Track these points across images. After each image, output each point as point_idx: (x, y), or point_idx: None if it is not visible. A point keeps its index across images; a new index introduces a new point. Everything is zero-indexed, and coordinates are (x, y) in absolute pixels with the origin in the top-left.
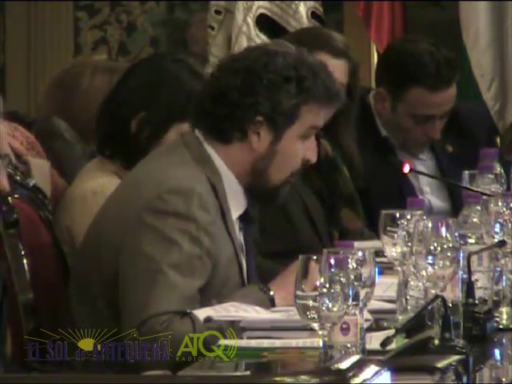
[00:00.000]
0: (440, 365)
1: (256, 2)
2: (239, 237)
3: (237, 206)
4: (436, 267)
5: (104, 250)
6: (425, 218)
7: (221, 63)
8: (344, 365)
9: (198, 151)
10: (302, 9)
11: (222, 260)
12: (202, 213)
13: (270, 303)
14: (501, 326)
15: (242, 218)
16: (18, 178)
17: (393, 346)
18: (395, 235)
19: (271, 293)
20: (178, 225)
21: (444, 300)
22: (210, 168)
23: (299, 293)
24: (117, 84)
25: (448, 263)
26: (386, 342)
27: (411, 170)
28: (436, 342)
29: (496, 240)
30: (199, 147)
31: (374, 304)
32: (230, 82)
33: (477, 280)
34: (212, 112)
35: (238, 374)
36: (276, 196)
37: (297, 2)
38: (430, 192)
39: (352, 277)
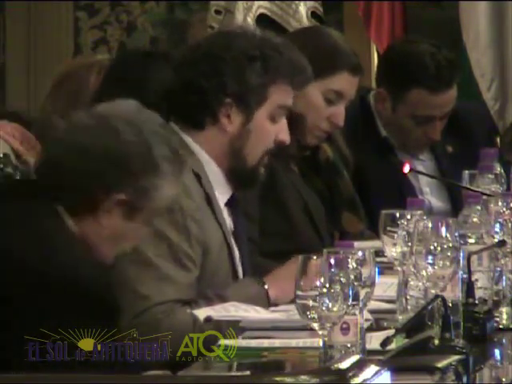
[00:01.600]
0: (440, 365)
1: (256, 2)
2: (229, 223)
3: (222, 192)
4: (436, 267)
5: None
6: (425, 218)
7: (183, 55)
8: (344, 365)
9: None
10: (302, 9)
11: (212, 247)
12: (186, 200)
13: (266, 297)
14: (501, 326)
15: (228, 203)
16: (18, 178)
17: (393, 346)
18: (395, 235)
19: (266, 286)
20: (163, 216)
21: (444, 300)
22: (190, 156)
23: (299, 293)
24: None
25: (448, 263)
26: (386, 342)
27: (411, 170)
28: (436, 341)
29: (496, 240)
30: (177, 138)
31: (374, 304)
32: (194, 70)
33: (477, 280)
34: (182, 102)
35: (238, 374)
36: (253, 178)
37: (297, 1)
38: (429, 192)
39: (352, 277)
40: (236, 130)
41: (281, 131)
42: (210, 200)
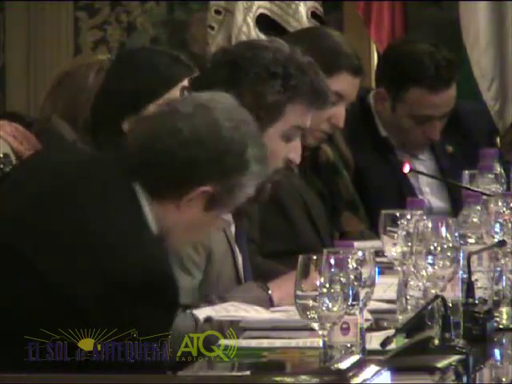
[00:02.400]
0: (440, 365)
1: (256, 2)
2: (232, 226)
3: None
4: (436, 267)
5: None
6: (425, 218)
7: (213, 55)
8: (344, 365)
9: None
10: (302, 9)
11: (215, 254)
12: None
13: (269, 302)
14: (501, 326)
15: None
16: None
17: (393, 346)
18: (395, 235)
19: (269, 291)
20: None
21: (444, 300)
22: None
23: (299, 293)
24: None
25: (448, 263)
26: (386, 342)
27: (411, 170)
28: (436, 341)
29: (496, 240)
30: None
31: (374, 304)
32: (215, 74)
33: (477, 280)
34: None
35: (238, 373)
36: (259, 193)
37: (297, 1)
38: (429, 192)
39: (352, 277)
40: None
41: (292, 151)
42: None
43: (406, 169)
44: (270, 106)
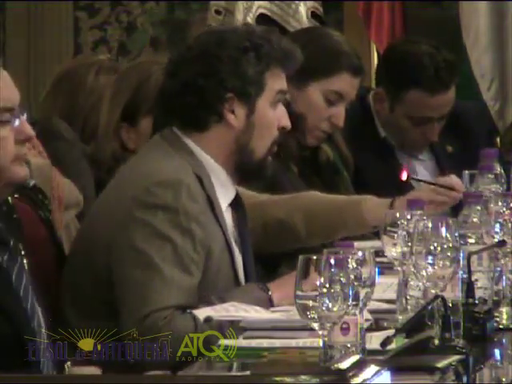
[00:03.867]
0: (440, 365)
1: (256, 2)
2: (233, 224)
3: (225, 194)
4: (436, 267)
5: (95, 249)
6: (425, 218)
7: (174, 57)
8: (344, 365)
9: (179, 145)
10: (302, 9)
11: (214, 250)
12: (191, 203)
13: (269, 303)
14: (501, 326)
15: (232, 205)
16: None
17: (393, 346)
18: (395, 235)
19: (269, 292)
20: (168, 219)
21: (444, 300)
22: (192, 159)
23: (299, 293)
24: None
25: (448, 263)
26: (386, 342)
27: (409, 178)
28: (436, 341)
29: (496, 240)
30: (178, 141)
31: (374, 304)
32: (190, 71)
33: (477, 280)
34: (182, 105)
35: (238, 373)
36: (263, 169)
37: (297, 1)
38: None
39: (352, 277)
40: (241, 124)
41: (281, 118)
42: (211, 202)
43: (404, 176)
44: (253, 80)
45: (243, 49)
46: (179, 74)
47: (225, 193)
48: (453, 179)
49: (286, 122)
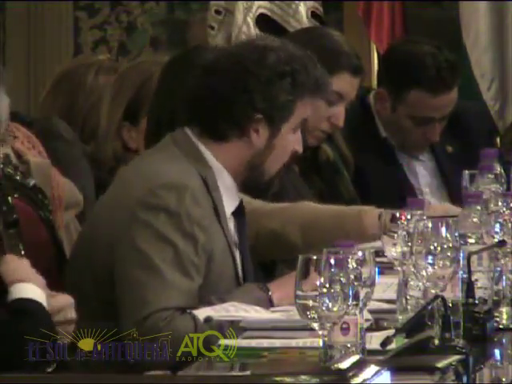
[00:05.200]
0: (440, 365)
1: (256, 2)
2: (234, 231)
3: (230, 201)
4: (436, 267)
5: (97, 249)
6: (425, 218)
7: (213, 59)
8: (344, 365)
9: (188, 148)
10: (302, 9)
11: (216, 254)
12: (194, 207)
13: (269, 303)
14: (501, 326)
15: (235, 212)
16: (18, 177)
17: (393, 346)
18: (395, 235)
19: (269, 293)
20: (170, 222)
21: (444, 300)
22: (200, 163)
23: (299, 293)
24: None
25: (448, 263)
26: (386, 342)
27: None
28: (436, 341)
29: (496, 240)
30: (189, 144)
31: (374, 304)
32: (223, 79)
33: (477, 280)
34: (207, 111)
35: (238, 373)
36: (269, 187)
37: (297, 1)
38: (429, 193)
39: (352, 277)
40: (261, 145)
41: (296, 142)
42: (216, 208)
43: None
44: (283, 106)
45: (281, 73)
46: (211, 78)
47: (229, 200)
48: (445, 206)
49: (299, 147)
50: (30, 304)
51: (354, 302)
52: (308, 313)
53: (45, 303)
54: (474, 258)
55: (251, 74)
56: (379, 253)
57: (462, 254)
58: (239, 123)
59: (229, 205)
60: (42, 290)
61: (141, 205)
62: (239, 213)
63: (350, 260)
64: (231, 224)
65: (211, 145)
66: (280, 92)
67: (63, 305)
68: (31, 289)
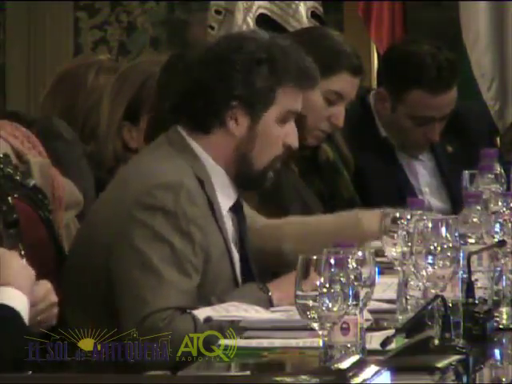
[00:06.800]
0: (440, 365)
1: (256, 2)
2: (232, 228)
3: (226, 197)
4: (436, 267)
5: (94, 249)
6: (425, 217)
7: (194, 55)
8: (344, 365)
9: (182, 146)
10: (302, 9)
11: (213, 253)
12: (190, 206)
13: (269, 303)
14: (501, 326)
15: (232, 208)
16: (18, 177)
17: (393, 346)
18: (395, 235)
19: (269, 293)
20: (167, 221)
21: (444, 300)
22: (195, 161)
23: (299, 293)
24: None
25: (448, 263)
26: (386, 342)
27: None
28: (436, 341)
29: (496, 240)
30: (182, 142)
31: (374, 304)
32: (204, 72)
33: (477, 280)
34: (190, 105)
35: (238, 373)
36: (261, 181)
37: (297, 1)
38: (429, 193)
39: (352, 277)
40: (243, 134)
41: (288, 135)
42: (212, 206)
43: None
44: (261, 93)
45: (257, 59)
46: (193, 72)
47: (226, 196)
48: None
49: (293, 141)
50: (1, 311)
51: (354, 302)
52: (308, 313)
53: (25, 308)
54: (474, 257)
55: (228, 60)
56: (379, 253)
57: (462, 254)
58: (218, 112)
59: (225, 201)
60: (25, 291)
61: (138, 204)
62: (237, 209)
63: (350, 260)
64: (229, 221)
65: (201, 140)
66: (257, 78)
67: (45, 292)
68: (9, 294)
